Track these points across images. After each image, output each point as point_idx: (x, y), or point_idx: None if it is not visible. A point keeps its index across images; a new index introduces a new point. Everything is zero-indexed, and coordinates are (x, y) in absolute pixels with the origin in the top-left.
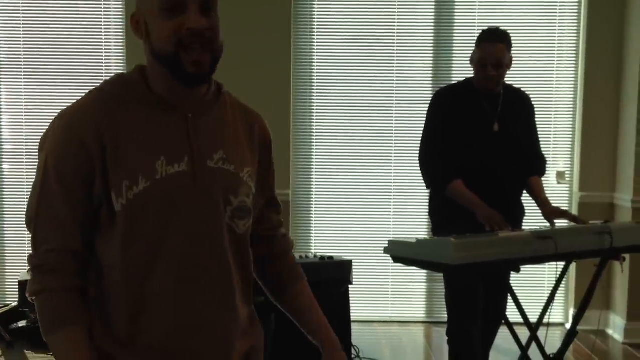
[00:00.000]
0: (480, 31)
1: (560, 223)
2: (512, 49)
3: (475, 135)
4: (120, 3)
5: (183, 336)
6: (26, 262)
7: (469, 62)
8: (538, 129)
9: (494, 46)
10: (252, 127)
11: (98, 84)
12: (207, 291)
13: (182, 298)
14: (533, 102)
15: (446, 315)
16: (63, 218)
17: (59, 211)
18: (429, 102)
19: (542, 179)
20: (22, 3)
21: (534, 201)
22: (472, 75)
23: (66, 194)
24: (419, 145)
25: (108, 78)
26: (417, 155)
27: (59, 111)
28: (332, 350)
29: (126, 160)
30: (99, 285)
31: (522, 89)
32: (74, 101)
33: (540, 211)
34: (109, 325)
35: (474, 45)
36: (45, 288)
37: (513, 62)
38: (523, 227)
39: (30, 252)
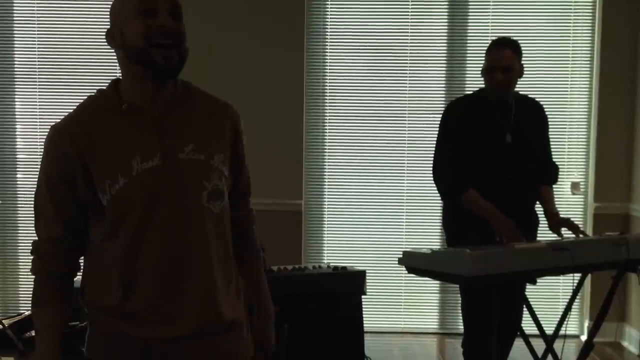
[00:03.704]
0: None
1: (567, 233)
2: (526, 58)
3: (488, 147)
4: None
5: (165, 303)
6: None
7: (481, 72)
8: (551, 138)
9: (501, 51)
10: (221, 116)
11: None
12: (188, 264)
13: (167, 275)
14: (547, 111)
15: (459, 327)
16: (50, 215)
17: (47, 210)
18: (442, 112)
19: (556, 189)
20: (37, 13)
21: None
22: (485, 86)
23: (52, 197)
24: (433, 156)
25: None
26: (431, 165)
27: None
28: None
29: (105, 162)
30: (95, 262)
31: (535, 98)
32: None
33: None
34: (104, 293)
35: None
36: (34, 270)
37: (527, 72)
38: (538, 237)
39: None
